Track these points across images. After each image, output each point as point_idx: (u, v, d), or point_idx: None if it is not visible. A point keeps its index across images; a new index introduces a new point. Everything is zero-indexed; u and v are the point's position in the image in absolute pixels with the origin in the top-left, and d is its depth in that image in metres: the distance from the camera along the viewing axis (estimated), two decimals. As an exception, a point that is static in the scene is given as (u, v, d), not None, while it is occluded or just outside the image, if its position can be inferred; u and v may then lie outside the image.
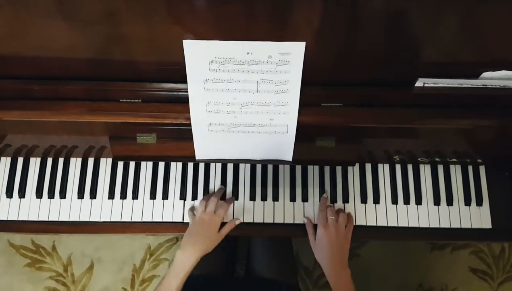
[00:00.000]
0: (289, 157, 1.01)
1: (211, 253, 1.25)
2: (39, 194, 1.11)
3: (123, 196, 1.11)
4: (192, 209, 1.10)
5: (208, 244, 1.02)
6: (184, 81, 0.86)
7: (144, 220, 1.10)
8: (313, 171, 1.13)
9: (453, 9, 0.75)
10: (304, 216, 1.10)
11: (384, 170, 1.14)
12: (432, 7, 0.74)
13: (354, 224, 1.09)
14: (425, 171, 1.14)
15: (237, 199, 1.11)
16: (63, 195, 1.11)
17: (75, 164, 1.13)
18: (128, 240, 1.84)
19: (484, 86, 0.88)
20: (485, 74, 0.87)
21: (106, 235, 1.77)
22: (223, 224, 1.06)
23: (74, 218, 1.10)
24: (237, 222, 1.08)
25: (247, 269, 1.32)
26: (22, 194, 1.11)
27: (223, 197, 1.11)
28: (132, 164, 1.13)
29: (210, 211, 1.04)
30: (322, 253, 1.01)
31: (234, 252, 1.36)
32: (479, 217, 1.11)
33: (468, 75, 0.87)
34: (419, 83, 0.88)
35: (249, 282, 1.26)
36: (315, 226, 1.06)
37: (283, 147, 0.99)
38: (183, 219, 1.10)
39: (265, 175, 1.13)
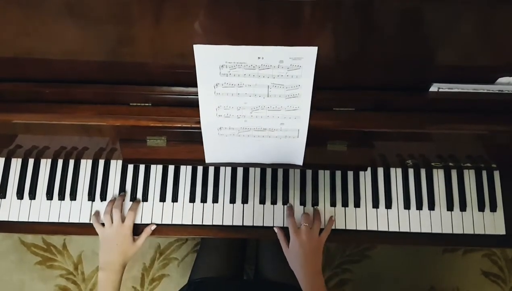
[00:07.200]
0: (299, 161, 1.00)
1: (219, 256, 1.25)
2: (49, 196, 1.11)
3: (133, 198, 1.11)
4: (97, 214, 1.09)
5: (125, 258, 1.04)
6: (194, 85, 0.85)
7: (154, 222, 1.10)
8: (324, 175, 1.12)
9: (469, 12, 0.73)
10: (274, 226, 1.08)
11: (396, 175, 1.12)
12: (447, 10, 0.72)
13: (366, 229, 1.08)
14: (439, 176, 1.11)
15: (246, 202, 1.10)
16: (73, 196, 1.11)
17: (85, 166, 1.13)
18: (138, 239, 1.84)
19: (500, 92, 0.86)
20: (501, 80, 0.85)
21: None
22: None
23: (84, 219, 1.10)
24: (152, 228, 1.08)
25: (256, 271, 1.31)
26: (32, 195, 1.11)
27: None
28: (142, 167, 1.13)
29: (118, 223, 1.04)
30: (295, 260, 1.00)
31: (243, 254, 1.35)
32: (493, 223, 1.09)
33: (484, 80, 0.86)
34: (433, 88, 0.87)
35: (257, 285, 1.26)
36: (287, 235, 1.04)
37: (294, 151, 0.98)
38: (192, 221, 1.10)
39: (275, 178, 1.11)
